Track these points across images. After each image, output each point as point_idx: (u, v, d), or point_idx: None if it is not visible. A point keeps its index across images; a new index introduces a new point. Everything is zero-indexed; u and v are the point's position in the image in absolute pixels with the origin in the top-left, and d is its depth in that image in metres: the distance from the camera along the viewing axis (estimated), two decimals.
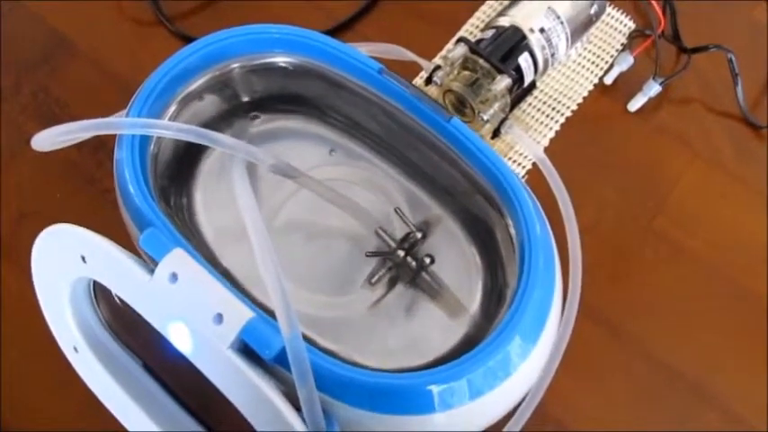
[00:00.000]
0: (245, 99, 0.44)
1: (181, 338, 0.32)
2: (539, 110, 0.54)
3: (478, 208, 0.40)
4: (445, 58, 0.48)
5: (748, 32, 0.57)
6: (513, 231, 0.37)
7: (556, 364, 0.38)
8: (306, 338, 0.36)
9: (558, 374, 0.37)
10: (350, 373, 0.32)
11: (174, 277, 0.31)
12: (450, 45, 0.55)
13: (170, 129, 0.36)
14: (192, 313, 0.31)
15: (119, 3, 0.59)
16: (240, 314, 0.30)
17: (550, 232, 0.39)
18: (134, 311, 0.34)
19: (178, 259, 0.32)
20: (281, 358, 0.31)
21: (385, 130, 0.42)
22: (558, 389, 0.37)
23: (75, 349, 0.41)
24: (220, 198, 0.42)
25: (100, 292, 0.40)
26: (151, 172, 0.38)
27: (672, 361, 0.45)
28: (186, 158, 0.42)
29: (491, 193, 0.38)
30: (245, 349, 0.32)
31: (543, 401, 0.36)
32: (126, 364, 0.41)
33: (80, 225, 0.34)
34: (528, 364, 0.35)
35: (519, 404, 0.36)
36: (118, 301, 0.39)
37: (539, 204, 0.39)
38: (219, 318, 0.30)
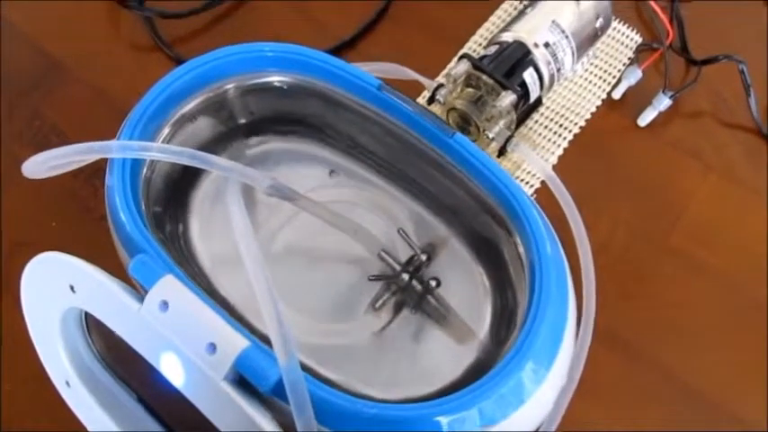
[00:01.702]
0: (242, 121, 0.42)
1: (173, 370, 0.30)
2: (546, 127, 0.53)
3: (485, 227, 0.38)
4: (448, 75, 0.47)
5: (759, 42, 0.55)
6: (522, 251, 0.36)
7: (572, 390, 0.36)
8: (305, 368, 0.34)
9: (573, 401, 0.35)
10: (352, 405, 0.30)
11: (164, 305, 0.30)
12: (452, 63, 0.54)
13: (162, 151, 0.35)
14: (183, 343, 0.29)
15: (116, 28, 0.58)
16: (234, 343, 0.29)
17: (562, 251, 0.37)
18: (126, 342, 0.32)
19: (169, 286, 0.30)
20: (279, 389, 0.29)
21: (386, 149, 0.41)
22: (573, 417, 0.35)
23: (68, 383, 0.39)
24: (216, 224, 0.40)
25: (92, 324, 0.38)
26: (144, 198, 0.37)
27: (696, 382, 0.43)
28: (181, 184, 0.40)
29: (498, 210, 0.36)
30: (241, 380, 0.30)
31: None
32: (120, 397, 0.39)
33: (76, 254, 0.33)
34: (542, 391, 0.33)
35: None
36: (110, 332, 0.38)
37: (548, 222, 0.37)
38: (213, 347, 0.29)
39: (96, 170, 0.49)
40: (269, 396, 0.30)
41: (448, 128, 0.37)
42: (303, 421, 0.28)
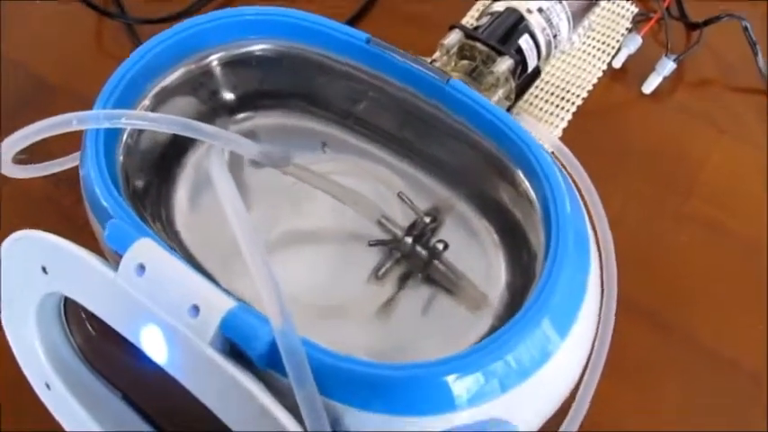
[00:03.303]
0: (227, 96, 0.40)
1: (154, 344, 0.27)
2: (546, 101, 0.51)
3: (493, 185, 0.35)
4: (441, 46, 0.44)
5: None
6: (537, 206, 0.33)
7: (600, 367, 0.33)
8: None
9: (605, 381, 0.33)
10: (357, 367, 0.26)
11: (141, 269, 0.27)
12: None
13: (139, 119, 0.32)
14: (163, 308, 0.26)
15: (98, 37, 0.57)
16: (219, 304, 0.26)
17: (583, 210, 0.34)
18: (107, 332, 0.29)
19: (145, 249, 0.27)
20: (273, 357, 0.26)
21: (380, 113, 0.38)
22: (599, 396, 0.33)
23: (48, 386, 0.36)
24: (203, 208, 0.38)
25: (72, 316, 0.36)
26: (122, 177, 0.34)
27: (723, 349, 0.41)
28: (164, 163, 0.38)
29: (506, 162, 0.33)
30: (233, 351, 0.27)
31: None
32: (105, 398, 0.36)
33: None
34: (564, 353, 0.30)
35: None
36: (89, 327, 0.35)
37: (567, 176, 0.34)
38: (195, 310, 0.26)
39: (77, 178, 0.47)
40: (264, 370, 0.27)
41: (442, 74, 0.34)
42: (304, 391, 0.25)
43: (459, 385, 0.27)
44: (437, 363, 0.27)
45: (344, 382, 0.27)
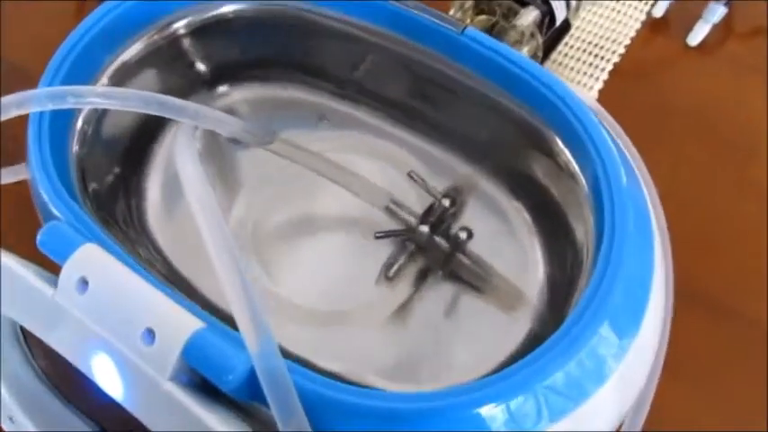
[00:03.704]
0: (201, 68, 0.34)
1: (107, 376, 0.21)
2: (578, 60, 0.45)
3: (524, 157, 0.29)
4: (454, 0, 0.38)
5: None
6: (582, 180, 0.26)
7: (660, 367, 0.27)
8: (300, 362, 0.25)
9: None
10: (362, 400, 0.20)
11: (83, 284, 0.21)
12: None
13: (91, 95, 0.26)
14: (111, 333, 0.20)
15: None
16: (180, 326, 0.20)
17: (641, 183, 0.28)
18: None
19: (88, 258, 0.21)
20: (253, 388, 0.20)
21: (383, 78, 0.32)
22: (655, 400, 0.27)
23: (11, 419, 0.31)
24: (181, 204, 0.32)
25: (33, 338, 0.30)
26: (76, 170, 0.28)
27: None
28: (130, 155, 0.32)
29: (541, 127, 0.27)
30: (203, 383, 0.21)
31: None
32: (74, 427, 0.30)
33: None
34: (627, 366, 0.24)
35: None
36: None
37: (620, 142, 0.28)
38: (150, 335, 0.20)
39: None
40: (246, 403, 0.21)
41: (454, 21, 0.28)
42: (291, 426, 0.19)
43: (497, 417, 0.21)
44: (466, 388, 0.21)
45: (346, 418, 0.21)
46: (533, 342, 0.28)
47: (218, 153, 0.34)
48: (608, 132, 0.28)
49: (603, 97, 0.43)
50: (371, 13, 0.30)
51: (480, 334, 0.28)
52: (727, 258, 0.37)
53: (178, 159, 0.25)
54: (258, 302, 0.20)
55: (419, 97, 0.31)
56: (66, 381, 0.30)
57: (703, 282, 0.36)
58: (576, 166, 0.27)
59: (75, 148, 0.29)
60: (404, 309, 0.29)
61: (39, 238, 0.22)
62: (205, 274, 0.29)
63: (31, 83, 0.29)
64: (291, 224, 0.32)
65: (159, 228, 0.31)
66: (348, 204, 0.31)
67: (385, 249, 0.30)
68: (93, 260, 0.21)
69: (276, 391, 0.20)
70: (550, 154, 0.28)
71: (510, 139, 0.29)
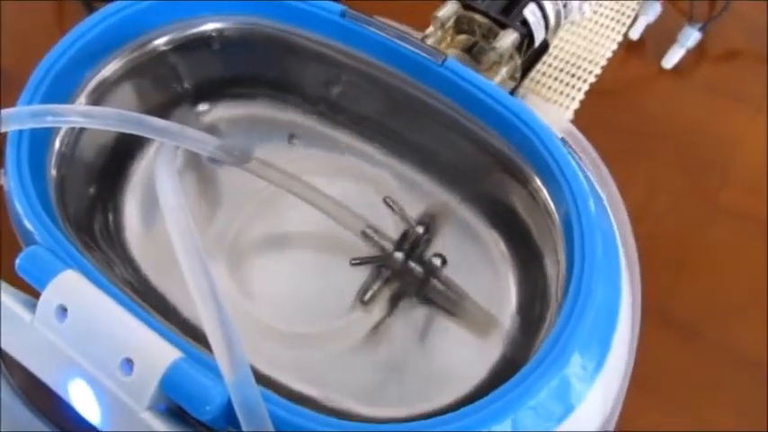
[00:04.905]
0: (183, 87, 0.34)
1: (85, 402, 0.22)
2: (556, 79, 0.45)
3: (498, 184, 0.29)
4: (435, 19, 0.39)
5: None
6: (553, 209, 0.27)
7: (626, 386, 0.29)
8: (277, 385, 0.26)
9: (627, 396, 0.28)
10: (333, 429, 0.21)
11: (62, 312, 0.21)
12: None
13: (70, 114, 0.26)
14: (90, 362, 0.21)
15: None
16: (158, 356, 0.20)
17: (608, 210, 0.29)
18: None
19: (67, 286, 0.22)
20: (229, 417, 0.20)
21: (360, 98, 0.32)
22: (625, 415, 0.29)
23: None
24: (157, 218, 0.32)
25: (9, 358, 0.30)
26: (55, 194, 0.28)
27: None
28: (108, 175, 0.32)
29: (514, 158, 0.28)
30: (179, 410, 0.21)
31: None
32: None
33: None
34: (595, 393, 0.25)
35: None
36: None
37: (588, 172, 0.29)
38: (129, 365, 0.20)
39: None
40: (222, 430, 0.22)
41: (435, 52, 0.28)
42: None
43: None
44: (440, 421, 0.21)
45: None
46: (506, 366, 0.28)
47: (199, 170, 0.34)
48: (579, 160, 0.29)
49: (579, 116, 0.44)
50: (353, 38, 0.30)
51: (454, 358, 0.29)
52: (696, 282, 0.38)
53: (157, 175, 0.25)
54: (234, 329, 0.20)
55: (396, 119, 0.32)
56: (44, 400, 0.30)
57: (673, 305, 0.37)
58: (546, 194, 0.28)
59: (53, 171, 0.29)
60: (378, 332, 0.30)
61: (18, 263, 0.23)
62: (181, 289, 0.29)
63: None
64: (270, 242, 0.32)
65: (137, 243, 0.31)
66: (326, 225, 0.31)
67: (361, 271, 0.31)
68: (73, 288, 0.22)
69: (251, 420, 0.20)
70: (522, 182, 0.28)
71: (484, 165, 0.30)
